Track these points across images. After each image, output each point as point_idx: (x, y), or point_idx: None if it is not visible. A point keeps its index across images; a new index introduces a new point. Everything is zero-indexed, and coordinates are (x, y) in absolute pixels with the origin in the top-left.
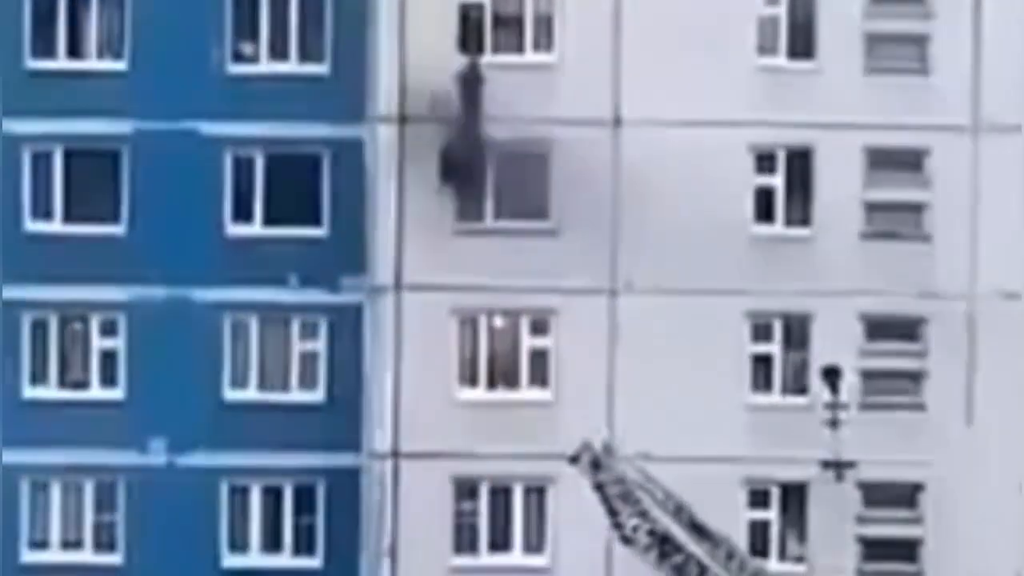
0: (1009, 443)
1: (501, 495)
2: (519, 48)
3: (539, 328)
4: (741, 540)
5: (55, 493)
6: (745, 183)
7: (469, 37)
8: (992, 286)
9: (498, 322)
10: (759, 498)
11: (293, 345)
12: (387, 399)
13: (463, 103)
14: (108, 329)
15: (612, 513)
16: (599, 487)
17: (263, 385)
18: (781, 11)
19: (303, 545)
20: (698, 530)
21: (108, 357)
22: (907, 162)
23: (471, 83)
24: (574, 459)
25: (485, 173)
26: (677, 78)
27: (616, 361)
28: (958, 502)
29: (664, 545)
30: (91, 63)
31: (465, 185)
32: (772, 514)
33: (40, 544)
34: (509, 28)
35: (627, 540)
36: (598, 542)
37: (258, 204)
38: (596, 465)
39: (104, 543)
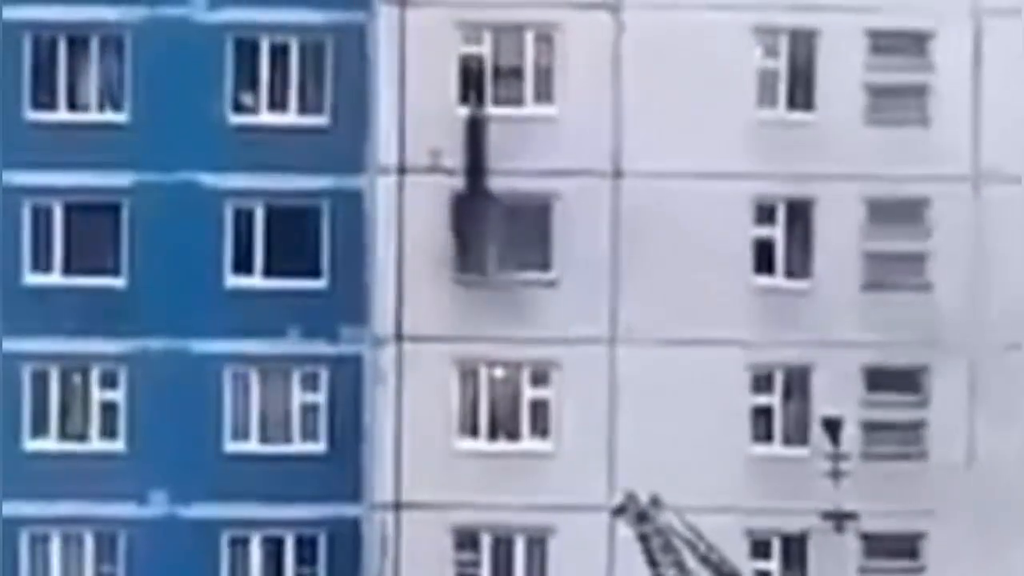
0: (1012, 493)
1: (502, 545)
2: (519, 100)
3: (540, 379)
4: None
5: (55, 545)
6: (745, 234)
7: (469, 89)
8: (993, 336)
9: (499, 373)
10: (760, 549)
11: (294, 396)
12: (388, 449)
13: (467, 154)
14: (108, 381)
15: (651, 560)
16: (643, 538)
17: (264, 436)
18: (781, 63)
19: None
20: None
21: (108, 409)
22: (908, 212)
23: (475, 134)
24: (620, 510)
25: (490, 224)
26: (677, 130)
27: (617, 412)
28: (960, 552)
29: None
30: (91, 115)
31: (471, 236)
32: (773, 565)
33: None
34: (509, 80)
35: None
36: None
37: (258, 255)
38: (642, 517)
39: None
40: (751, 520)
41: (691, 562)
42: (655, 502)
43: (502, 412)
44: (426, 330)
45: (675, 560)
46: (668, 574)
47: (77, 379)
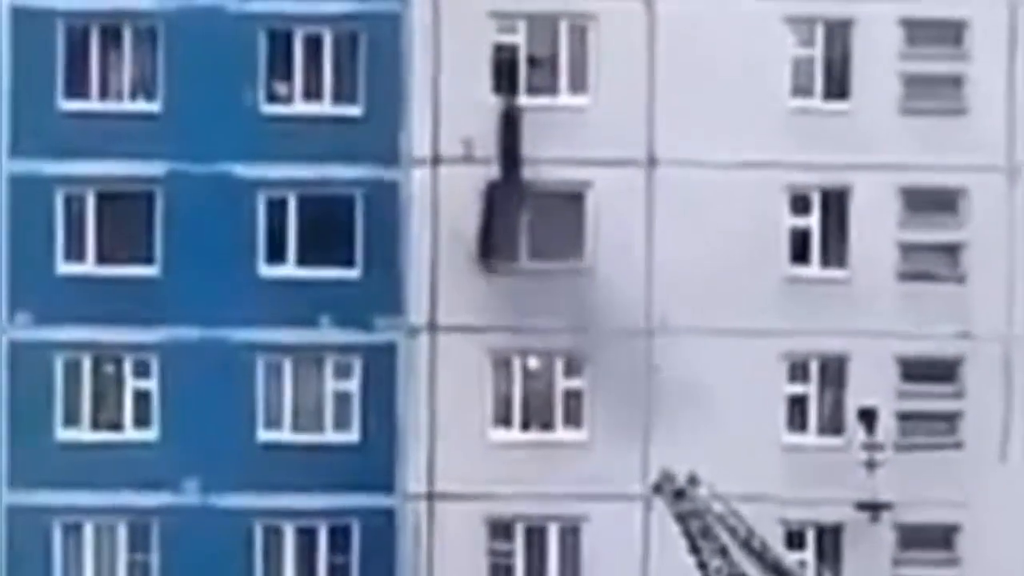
0: None
1: (536, 535)
2: (553, 89)
3: (573, 369)
4: None
5: (88, 534)
6: (780, 224)
7: (503, 79)
8: None
9: (532, 363)
10: (795, 539)
11: (327, 386)
12: (421, 440)
13: (501, 144)
14: (141, 370)
15: (693, 545)
16: (680, 518)
17: (297, 426)
18: (816, 52)
19: None
20: (777, 571)
21: (142, 398)
22: (943, 202)
23: (509, 124)
24: (657, 488)
25: (523, 214)
26: (711, 119)
27: (651, 401)
28: (995, 544)
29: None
30: (124, 104)
31: (505, 226)
32: (808, 555)
33: None
34: (543, 69)
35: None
36: None
37: (292, 245)
38: (679, 495)
39: None
40: (785, 510)
41: (733, 548)
42: (692, 480)
43: (535, 402)
44: (460, 320)
45: (718, 547)
46: (712, 562)
47: (110, 368)
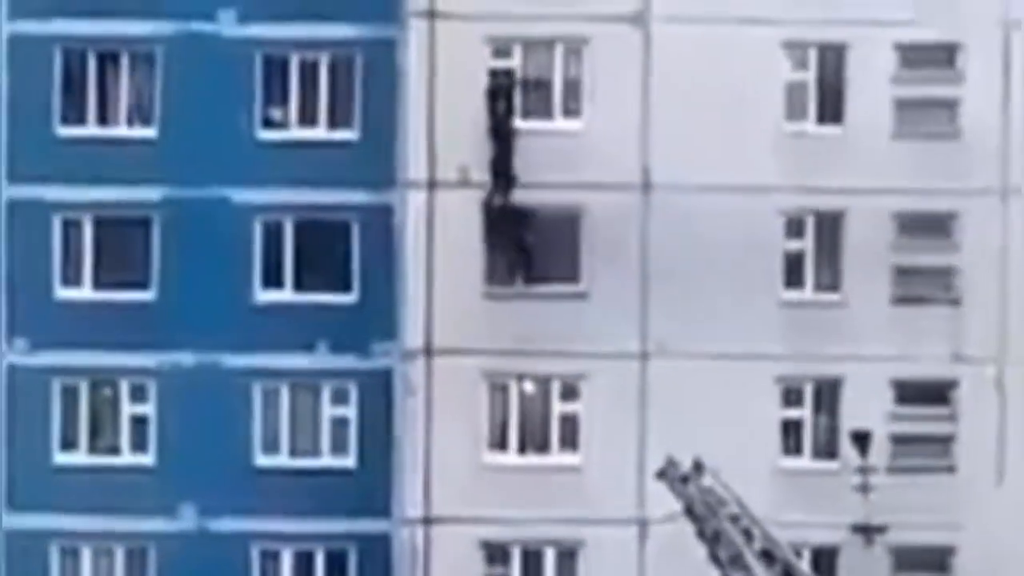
0: None
1: (532, 559)
2: (548, 114)
3: (569, 393)
4: None
5: (86, 559)
6: (774, 248)
7: (499, 103)
8: (1022, 350)
9: (528, 387)
10: None
11: (324, 411)
12: (418, 464)
13: (496, 168)
14: (138, 395)
15: (700, 531)
16: (688, 508)
17: (294, 451)
18: (809, 76)
19: None
20: (768, 557)
21: (138, 423)
22: (937, 226)
23: (504, 149)
24: (661, 474)
25: (518, 238)
26: (706, 143)
27: (646, 425)
28: (989, 566)
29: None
30: (121, 130)
31: (500, 250)
32: None
33: None
34: (538, 94)
35: (714, 557)
36: None
37: (288, 270)
38: (684, 480)
39: None
40: (781, 533)
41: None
42: (698, 467)
43: (532, 426)
44: (456, 344)
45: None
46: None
47: (107, 393)
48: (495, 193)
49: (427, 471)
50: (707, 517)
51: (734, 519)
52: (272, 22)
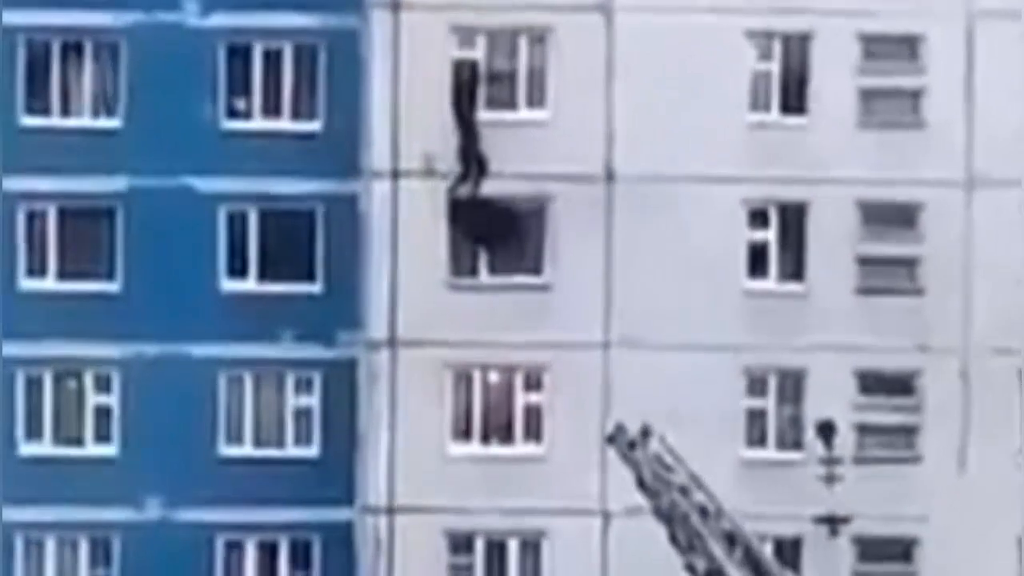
0: (1004, 497)
1: (496, 549)
2: (513, 104)
3: (533, 383)
4: None
5: (50, 550)
6: (738, 238)
7: (462, 93)
8: (986, 341)
9: (492, 377)
10: None
11: (288, 400)
12: (381, 454)
13: (460, 158)
14: (102, 385)
15: (647, 491)
16: (635, 467)
17: (258, 441)
18: (774, 66)
19: None
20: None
21: (102, 413)
22: (901, 217)
23: (468, 138)
24: (610, 439)
25: (483, 228)
26: (670, 133)
27: (610, 416)
28: (953, 556)
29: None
30: (85, 120)
31: (465, 240)
32: None
33: None
34: (503, 83)
35: (665, 518)
36: None
37: (252, 260)
38: (631, 446)
39: None
40: (746, 525)
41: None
42: (645, 432)
43: (495, 416)
44: (420, 334)
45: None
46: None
47: (71, 383)
48: (464, 182)
49: (391, 461)
50: (659, 490)
51: (684, 491)
52: (235, 12)
